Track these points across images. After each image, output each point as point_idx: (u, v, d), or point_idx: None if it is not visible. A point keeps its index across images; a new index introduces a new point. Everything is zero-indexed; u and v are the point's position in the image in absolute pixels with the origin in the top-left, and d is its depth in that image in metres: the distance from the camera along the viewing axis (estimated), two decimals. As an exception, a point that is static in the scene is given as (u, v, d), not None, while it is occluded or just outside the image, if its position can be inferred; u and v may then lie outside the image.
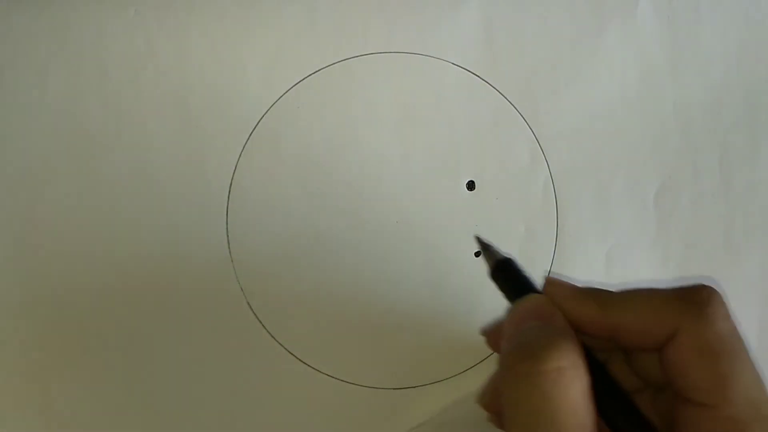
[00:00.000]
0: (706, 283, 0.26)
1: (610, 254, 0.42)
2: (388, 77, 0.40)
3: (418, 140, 0.41)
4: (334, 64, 0.40)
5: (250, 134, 0.39)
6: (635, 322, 0.26)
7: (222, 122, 0.39)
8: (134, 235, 0.38)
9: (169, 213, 0.38)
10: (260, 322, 0.39)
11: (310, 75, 0.40)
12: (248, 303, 0.39)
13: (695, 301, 0.25)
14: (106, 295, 0.38)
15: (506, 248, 0.41)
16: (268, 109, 0.39)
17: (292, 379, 0.39)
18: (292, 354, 0.39)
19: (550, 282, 0.29)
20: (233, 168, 0.39)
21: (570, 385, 0.23)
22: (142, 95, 0.38)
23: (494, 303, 0.41)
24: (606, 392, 0.25)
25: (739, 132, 0.43)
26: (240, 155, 0.39)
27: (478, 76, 0.41)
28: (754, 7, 0.43)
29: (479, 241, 0.33)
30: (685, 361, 0.24)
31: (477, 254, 0.41)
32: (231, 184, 0.39)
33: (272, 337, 0.39)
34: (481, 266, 0.41)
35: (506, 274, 0.30)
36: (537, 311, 0.27)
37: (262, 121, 0.39)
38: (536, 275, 0.41)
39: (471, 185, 0.41)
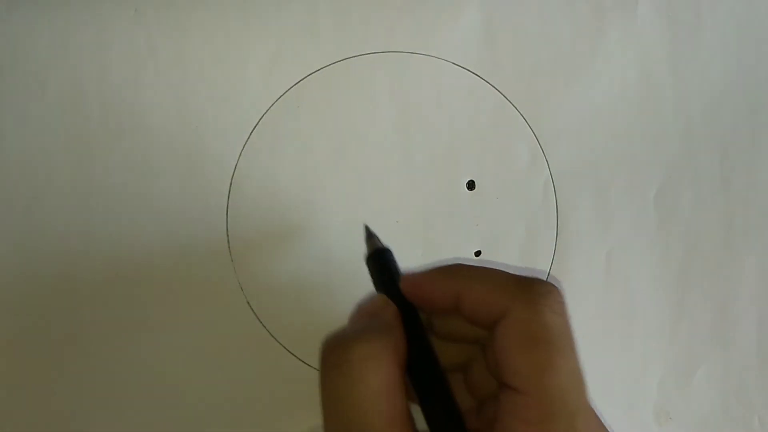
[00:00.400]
0: (550, 282, 0.27)
1: (610, 254, 0.42)
2: (388, 77, 0.40)
3: (418, 140, 0.41)
4: (334, 63, 0.40)
5: (250, 134, 0.39)
6: (474, 293, 0.27)
7: (222, 122, 0.39)
8: (134, 234, 0.38)
9: (169, 213, 0.38)
10: (260, 322, 0.39)
11: (310, 75, 0.40)
12: (248, 303, 0.39)
13: (530, 289, 0.26)
14: (106, 295, 0.38)
15: (506, 248, 0.41)
16: (268, 109, 0.39)
17: (292, 378, 0.39)
18: (292, 353, 0.39)
19: (404, 278, 0.30)
20: (233, 168, 0.39)
21: (373, 374, 0.25)
22: (142, 95, 0.38)
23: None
24: (425, 383, 0.27)
25: (739, 132, 0.43)
26: (240, 155, 0.39)
27: (479, 76, 0.41)
28: (753, 7, 0.43)
29: (366, 229, 0.36)
30: (509, 344, 0.25)
31: (477, 254, 0.41)
32: (231, 184, 0.39)
33: (272, 336, 0.39)
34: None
35: (377, 263, 0.33)
36: (370, 309, 0.29)
37: (262, 121, 0.39)
38: (537, 274, 0.41)
39: (471, 185, 0.41)
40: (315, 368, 0.39)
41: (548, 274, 0.41)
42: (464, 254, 0.41)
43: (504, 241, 0.41)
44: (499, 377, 0.26)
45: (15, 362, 0.38)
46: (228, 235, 0.39)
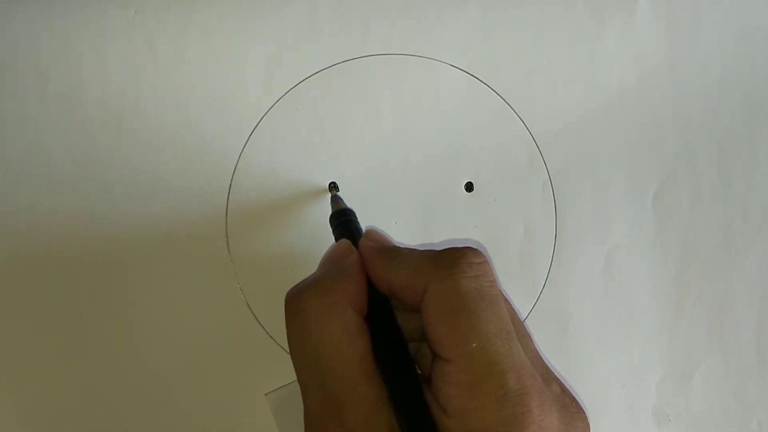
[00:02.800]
0: (468, 246, 0.27)
1: (610, 254, 0.42)
2: (387, 79, 0.40)
3: (416, 142, 0.41)
4: (333, 65, 0.40)
5: (250, 134, 0.39)
6: (401, 279, 0.27)
7: (222, 122, 0.39)
8: (134, 234, 0.38)
9: (169, 213, 0.38)
10: (260, 323, 0.39)
11: (309, 76, 0.40)
12: (248, 303, 0.39)
13: (444, 261, 0.26)
14: (105, 295, 0.38)
15: (505, 249, 0.41)
16: (268, 110, 0.39)
17: (291, 378, 0.39)
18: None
19: (367, 234, 0.31)
20: (233, 168, 0.39)
21: (328, 320, 0.25)
22: (142, 95, 0.38)
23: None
24: (384, 335, 0.27)
25: (738, 132, 0.43)
26: (240, 155, 0.39)
27: (477, 78, 0.41)
28: (752, 7, 0.43)
29: (330, 188, 0.38)
30: (430, 318, 0.26)
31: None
32: (231, 184, 0.39)
33: (272, 337, 0.39)
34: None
35: (340, 222, 0.34)
36: (334, 255, 0.30)
37: (262, 121, 0.39)
38: (535, 276, 0.41)
39: (470, 186, 0.41)
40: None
41: (547, 275, 0.41)
42: (464, 255, 0.41)
43: (503, 242, 0.41)
44: (430, 350, 0.26)
45: (14, 361, 0.37)
46: (228, 235, 0.39)
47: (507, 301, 0.28)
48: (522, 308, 0.41)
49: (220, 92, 0.39)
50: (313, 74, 0.40)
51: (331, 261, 0.30)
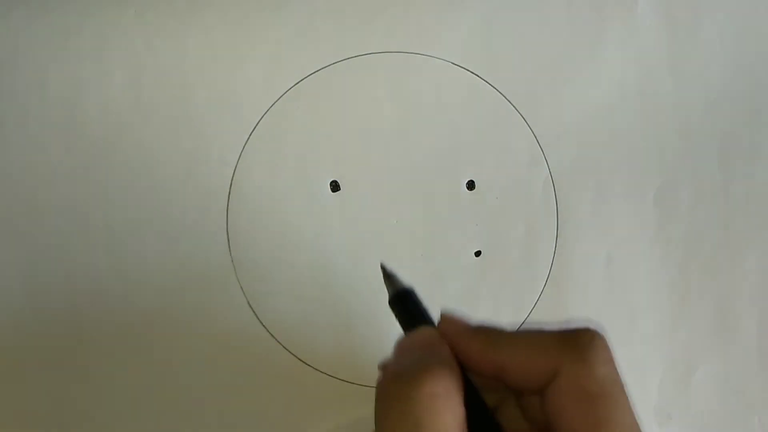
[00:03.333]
0: (590, 327, 0.26)
1: (610, 254, 0.42)
2: (388, 77, 0.40)
3: (418, 140, 0.41)
4: (334, 63, 0.40)
5: (250, 134, 0.39)
6: (518, 362, 0.26)
7: (222, 122, 0.39)
8: (134, 235, 0.38)
9: (170, 213, 0.38)
10: (260, 322, 0.39)
11: (310, 75, 0.40)
12: (248, 303, 0.39)
13: (576, 344, 0.25)
14: (106, 295, 0.38)
15: (506, 248, 0.41)
16: (268, 109, 0.39)
17: (292, 378, 0.39)
18: (292, 354, 0.39)
19: (445, 318, 0.29)
20: (233, 168, 0.39)
21: (442, 411, 0.23)
22: (142, 95, 0.38)
23: (493, 302, 0.41)
24: (481, 425, 0.26)
25: (739, 132, 0.43)
26: (240, 155, 0.39)
27: (478, 76, 0.41)
28: (753, 7, 0.43)
29: (383, 269, 0.33)
30: (563, 405, 0.25)
31: (477, 254, 0.41)
32: (231, 184, 0.39)
33: (272, 336, 0.39)
34: (482, 266, 0.41)
35: (404, 304, 0.31)
36: (423, 342, 0.28)
37: (262, 121, 0.39)
38: (535, 276, 0.41)
39: (471, 185, 0.41)
40: (315, 368, 0.39)
41: (548, 274, 0.41)
42: (464, 254, 0.41)
43: (504, 241, 0.41)
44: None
45: (16, 362, 0.38)
46: (228, 235, 0.39)
47: None
48: (523, 307, 0.41)
49: (220, 92, 0.39)
50: (313, 72, 0.40)
51: (423, 350, 0.28)
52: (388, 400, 0.24)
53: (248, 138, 0.39)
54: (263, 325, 0.39)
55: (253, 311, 0.39)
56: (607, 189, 0.42)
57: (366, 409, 0.39)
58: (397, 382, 0.24)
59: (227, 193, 0.39)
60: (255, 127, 0.39)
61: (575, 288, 0.42)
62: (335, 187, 0.40)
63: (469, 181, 0.41)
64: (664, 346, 0.42)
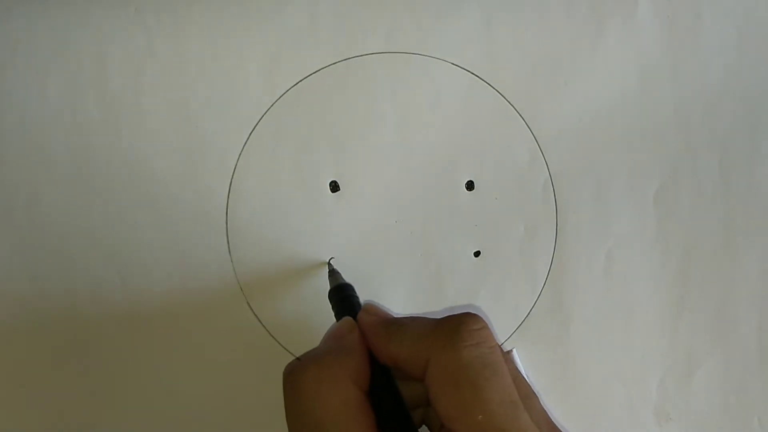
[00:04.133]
0: (467, 312, 0.27)
1: (610, 254, 0.42)
2: (388, 78, 0.40)
3: (418, 140, 0.41)
4: (334, 64, 0.40)
5: (250, 134, 0.39)
6: (404, 353, 0.27)
7: (222, 122, 0.39)
8: (134, 234, 0.38)
9: (169, 213, 0.38)
10: (260, 322, 0.39)
11: (310, 75, 0.40)
12: (248, 303, 0.39)
13: (444, 331, 0.26)
14: (105, 296, 0.38)
15: (506, 248, 0.41)
16: (268, 109, 0.39)
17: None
18: (292, 354, 0.39)
19: (364, 309, 0.32)
20: (233, 168, 0.39)
21: (326, 395, 0.26)
22: (142, 95, 0.38)
23: (493, 302, 0.41)
24: (388, 409, 0.27)
25: (739, 132, 0.43)
26: (240, 155, 0.39)
27: (478, 77, 0.41)
28: (753, 7, 0.43)
29: (329, 266, 0.38)
30: (436, 391, 0.26)
31: (476, 254, 0.41)
32: (231, 184, 0.39)
33: (272, 337, 0.39)
34: (481, 266, 0.41)
35: (337, 297, 0.35)
36: (336, 331, 0.30)
37: (262, 121, 0.39)
38: (535, 276, 0.41)
39: (470, 185, 0.41)
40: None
41: (548, 275, 0.41)
42: (463, 254, 0.41)
43: (503, 241, 0.41)
44: (439, 421, 0.26)
45: (14, 361, 0.38)
46: (228, 235, 0.39)
47: (510, 360, 0.28)
48: (522, 307, 0.41)
49: (220, 91, 0.39)
50: (314, 73, 0.40)
51: (332, 338, 0.30)
52: (285, 388, 0.27)
53: (248, 138, 0.39)
54: (263, 325, 0.39)
55: (253, 311, 0.39)
56: (607, 189, 0.42)
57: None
58: (291, 371, 0.27)
59: (227, 193, 0.39)
60: (255, 127, 0.39)
61: (575, 288, 0.42)
62: (335, 187, 0.40)
63: (468, 181, 0.41)
64: (664, 346, 0.42)
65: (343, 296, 0.35)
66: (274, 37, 0.39)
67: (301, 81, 0.40)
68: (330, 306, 0.35)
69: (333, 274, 0.37)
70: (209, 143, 0.39)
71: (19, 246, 0.37)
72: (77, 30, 0.38)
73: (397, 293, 0.40)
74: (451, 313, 0.28)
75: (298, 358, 0.28)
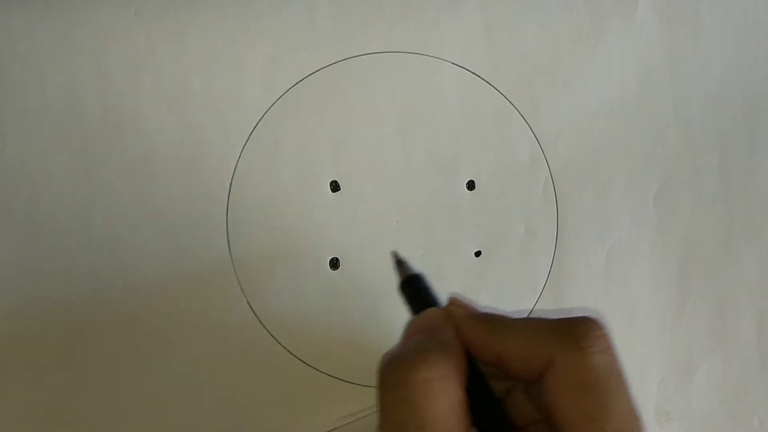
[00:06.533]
0: (589, 316, 0.26)
1: (610, 254, 0.42)
2: (387, 77, 0.40)
3: (418, 140, 0.41)
4: (333, 64, 0.40)
5: (250, 134, 0.39)
6: (515, 351, 0.26)
7: (222, 122, 0.39)
8: (134, 234, 0.38)
9: (169, 213, 0.38)
10: (260, 322, 0.39)
11: (309, 75, 0.40)
12: (248, 303, 0.39)
13: (571, 333, 0.25)
14: (106, 295, 0.38)
15: (507, 248, 0.41)
16: (268, 109, 0.39)
17: (292, 378, 0.39)
18: (292, 354, 0.39)
19: (452, 301, 0.29)
20: (233, 168, 0.39)
21: (437, 396, 0.24)
22: (142, 95, 0.38)
23: (493, 302, 0.41)
24: (485, 410, 0.26)
25: (739, 132, 0.43)
26: (240, 155, 0.39)
27: (478, 76, 0.41)
28: (753, 7, 0.43)
29: (394, 256, 0.34)
30: (558, 394, 0.24)
31: (477, 254, 0.41)
32: (231, 184, 0.39)
33: (272, 336, 0.39)
34: (481, 266, 0.41)
35: (412, 288, 0.32)
36: (426, 325, 0.28)
37: (262, 121, 0.39)
38: (535, 276, 0.41)
39: (471, 185, 0.41)
40: (315, 368, 0.39)
41: (548, 274, 0.41)
42: (464, 254, 0.41)
43: (504, 241, 0.41)
44: (555, 424, 0.25)
45: (14, 361, 0.38)
46: (228, 235, 0.39)
47: None
48: (523, 307, 0.41)
49: (220, 92, 0.39)
50: (314, 72, 0.40)
51: (426, 332, 0.28)
52: (386, 386, 0.25)
53: (248, 138, 0.39)
54: (263, 325, 0.39)
55: (253, 311, 0.39)
56: (607, 189, 0.42)
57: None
58: (394, 368, 0.25)
59: (227, 193, 0.39)
60: (255, 127, 0.39)
61: (575, 288, 0.42)
62: (335, 187, 0.40)
63: (469, 181, 0.41)
64: (664, 346, 0.42)
65: (418, 287, 0.32)
66: (274, 37, 0.39)
67: (301, 81, 0.40)
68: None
69: (401, 264, 0.34)
70: (209, 143, 0.39)
71: (19, 246, 0.37)
72: (77, 30, 0.38)
73: (397, 293, 0.40)
74: (566, 316, 0.26)
75: (394, 352, 0.26)
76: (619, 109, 0.42)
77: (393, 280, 0.40)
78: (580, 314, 0.26)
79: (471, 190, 0.41)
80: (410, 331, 0.29)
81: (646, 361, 0.42)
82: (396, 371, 0.24)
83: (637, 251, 0.42)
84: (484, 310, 0.29)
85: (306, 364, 0.39)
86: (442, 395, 0.24)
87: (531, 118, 0.41)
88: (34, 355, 0.38)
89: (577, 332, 0.25)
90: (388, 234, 0.40)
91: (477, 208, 0.41)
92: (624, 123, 0.42)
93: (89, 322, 0.38)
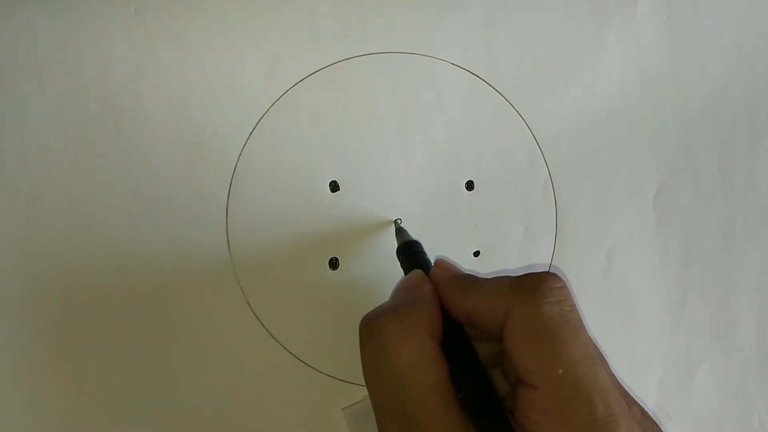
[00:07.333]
0: (548, 271, 0.27)
1: (610, 254, 0.42)
2: (387, 77, 0.40)
3: (417, 140, 0.41)
4: (333, 64, 0.40)
5: (250, 134, 0.39)
6: (480, 306, 0.27)
7: (222, 121, 0.39)
8: (134, 234, 0.38)
9: (169, 213, 0.38)
10: (260, 322, 0.39)
11: (309, 75, 0.40)
12: (248, 303, 0.39)
13: (525, 286, 0.26)
14: (106, 295, 0.38)
15: (506, 248, 0.41)
16: (268, 109, 0.39)
17: (292, 379, 0.39)
18: (292, 354, 0.39)
19: (438, 263, 0.32)
20: (233, 168, 0.39)
21: (405, 343, 0.26)
22: (142, 95, 0.38)
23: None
24: (462, 361, 0.27)
25: (739, 132, 0.43)
26: (240, 155, 0.39)
27: (478, 77, 0.41)
28: (753, 7, 0.43)
29: (396, 224, 0.39)
30: (515, 344, 0.26)
31: (476, 254, 0.41)
32: (231, 184, 0.39)
33: (272, 336, 0.39)
34: (481, 266, 0.41)
35: (408, 253, 0.35)
36: (408, 284, 0.31)
37: (262, 121, 0.39)
38: (536, 269, 0.41)
39: (470, 185, 0.41)
40: (315, 369, 0.39)
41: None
42: (463, 254, 0.41)
43: (503, 241, 0.41)
44: (513, 375, 0.26)
45: (14, 362, 0.38)
46: (228, 235, 0.39)
47: None
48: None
49: (220, 91, 0.39)
50: (314, 73, 0.40)
51: (405, 290, 0.30)
52: (363, 340, 0.27)
53: (248, 138, 0.39)
54: (263, 325, 0.39)
55: (253, 311, 0.39)
56: (607, 189, 0.42)
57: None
58: (369, 322, 0.27)
59: (227, 193, 0.39)
60: (255, 126, 0.39)
61: (575, 288, 0.42)
62: (335, 187, 0.40)
63: (468, 182, 0.41)
64: (665, 345, 0.42)
65: (411, 252, 0.35)
66: (274, 37, 0.39)
67: (301, 81, 0.40)
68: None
69: (400, 231, 0.38)
70: (209, 143, 0.39)
71: (19, 246, 0.37)
72: (77, 30, 0.38)
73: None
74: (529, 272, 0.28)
75: (372, 311, 0.28)
76: (619, 109, 0.42)
77: (393, 280, 0.40)
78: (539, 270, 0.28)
79: (470, 190, 0.41)
80: (395, 289, 0.31)
81: (647, 360, 0.42)
82: (370, 325, 0.27)
83: (637, 250, 0.42)
84: (462, 272, 0.31)
85: (306, 364, 0.39)
86: (411, 343, 0.26)
87: (530, 118, 0.41)
88: (33, 356, 0.38)
89: (531, 285, 0.26)
90: (387, 234, 0.40)
91: (476, 209, 0.41)
92: (624, 123, 0.42)
93: (88, 322, 0.38)
